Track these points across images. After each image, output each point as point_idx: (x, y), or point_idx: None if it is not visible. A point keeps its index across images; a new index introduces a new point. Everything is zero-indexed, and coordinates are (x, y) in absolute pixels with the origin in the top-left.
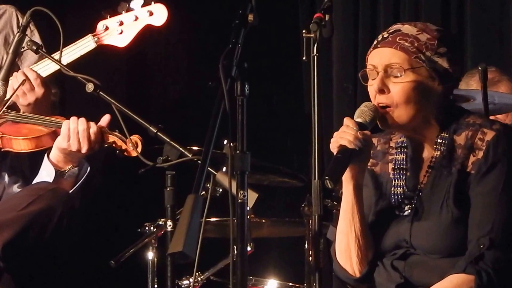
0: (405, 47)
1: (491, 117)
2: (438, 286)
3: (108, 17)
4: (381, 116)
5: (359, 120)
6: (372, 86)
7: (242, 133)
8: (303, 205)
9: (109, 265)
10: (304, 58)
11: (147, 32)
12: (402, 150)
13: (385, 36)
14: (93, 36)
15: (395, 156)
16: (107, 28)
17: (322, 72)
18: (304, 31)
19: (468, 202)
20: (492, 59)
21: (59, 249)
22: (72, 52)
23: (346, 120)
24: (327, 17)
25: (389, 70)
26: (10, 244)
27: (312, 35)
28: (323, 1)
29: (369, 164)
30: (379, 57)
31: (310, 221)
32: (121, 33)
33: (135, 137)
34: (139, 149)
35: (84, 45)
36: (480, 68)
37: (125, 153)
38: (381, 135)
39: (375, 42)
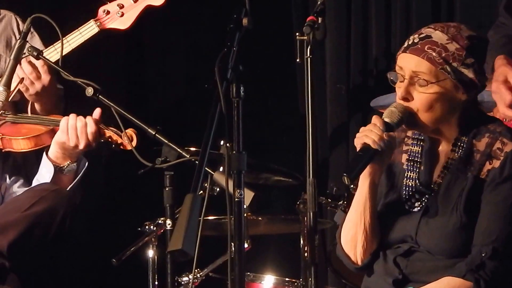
0: (432, 58)
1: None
2: (434, 285)
3: (108, 2)
4: (409, 115)
5: (387, 120)
6: (398, 90)
7: (238, 133)
8: (298, 202)
9: (111, 263)
10: (298, 60)
11: (146, 34)
12: (419, 143)
13: (415, 41)
14: (95, 21)
15: (411, 147)
16: (108, 13)
17: (316, 73)
18: (297, 33)
19: (479, 209)
20: None
21: (63, 248)
22: (76, 38)
23: (375, 119)
24: (319, 20)
25: (414, 78)
26: (15, 244)
27: (305, 37)
28: (316, 4)
29: None
30: (406, 62)
31: (305, 218)
32: (122, 15)
33: (130, 131)
34: (134, 142)
35: (87, 31)
36: None
37: (121, 147)
38: None
39: (405, 44)
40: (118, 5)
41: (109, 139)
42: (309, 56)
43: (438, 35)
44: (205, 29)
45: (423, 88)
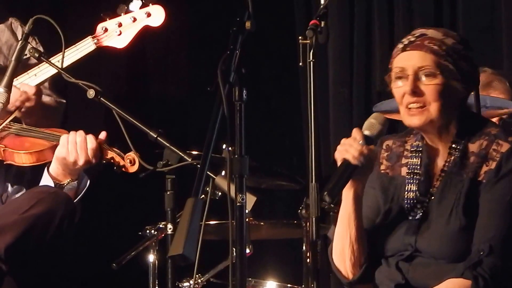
0: (435, 50)
1: None
2: None
3: (107, 19)
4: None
5: (366, 132)
6: (401, 88)
7: (240, 137)
8: (300, 207)
9: (111, 267)
10: (300, 63)
11: (147, 37)
12: (417, 155)
13: (412, 39)
14: (93, 38)
15: (409, 159)
16: (106, 30)
17: (318, 77)
18: (300, 37)
19: (477, 211)
20: (484, 60)
21: (61, 251)
22: (72, 54)
23: (354, 132)
24: (322, 23)
25: (420, 73)
26: (12, 247)
27: (308, 41)
28: (319, 8)
29: (382, 167)
30: (409, 60)
31: (308, 223)
32: (120, 34)
33: (132, 154)
34: (136, 166)
35: (84, 47)
36: None
37: (123, 169)
38: (396, 137)
39: (400, 46)
40: (117, 23)
41: (111, 160)
42: (311, 60)
43: (432, 33)
44: (208, 30)
45: (430, 80)
